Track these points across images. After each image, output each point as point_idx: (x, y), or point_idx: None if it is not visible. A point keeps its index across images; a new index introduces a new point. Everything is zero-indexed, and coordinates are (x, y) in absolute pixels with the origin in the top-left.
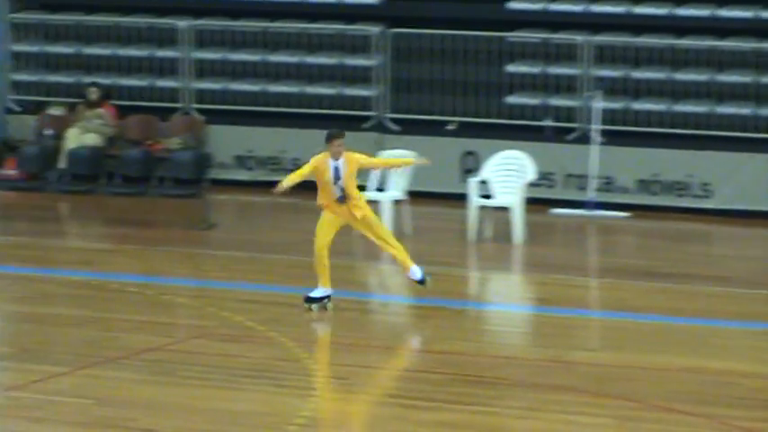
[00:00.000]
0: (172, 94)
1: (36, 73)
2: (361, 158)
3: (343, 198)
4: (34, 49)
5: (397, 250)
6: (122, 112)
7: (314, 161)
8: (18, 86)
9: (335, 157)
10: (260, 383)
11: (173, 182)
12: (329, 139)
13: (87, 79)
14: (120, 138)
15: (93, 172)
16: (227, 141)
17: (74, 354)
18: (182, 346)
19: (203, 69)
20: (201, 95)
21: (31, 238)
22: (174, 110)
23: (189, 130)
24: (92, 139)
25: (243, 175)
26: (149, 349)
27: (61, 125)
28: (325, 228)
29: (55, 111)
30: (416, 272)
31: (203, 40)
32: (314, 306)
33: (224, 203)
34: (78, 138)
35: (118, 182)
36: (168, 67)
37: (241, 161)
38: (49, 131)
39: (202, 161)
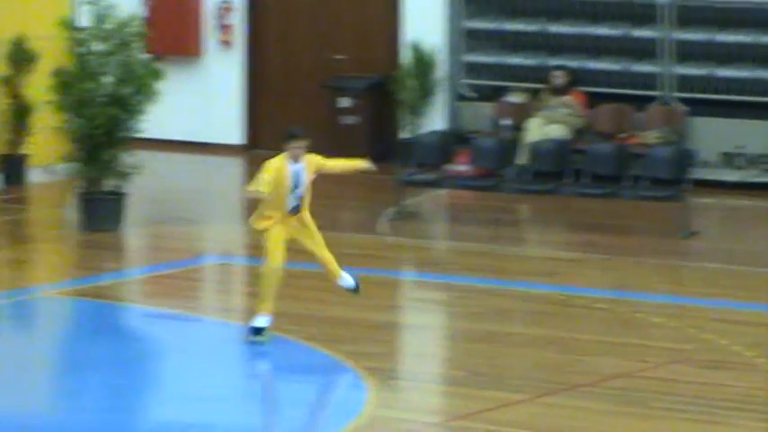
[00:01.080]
0: (649, 80)
1: (493, 54)
2: (320, 161)
3: (298, 208)
4: (492, 26)
5: (330, 257)
6: (592, 99)
7: (274, 166)
8: (472, 69)
9: (295, 160)
10: (744, 417)
11: (649, 182)
12: (288, 139)
13: (552, 62)
14: (589, 130)
15: (557, 169)
16: (711, 136)
17: (531, 379)
18: (656, 373)
19: (686, 52)
20: (683, 82)
21: (485, 245)
22: (651, 98)
23: (668, 121)
24: (557, 131)
25: (730, 176)
26: (618, 375)
27: (521, 114)
28: (280, 242)
29: (514, 98)
30: (348, 279)
31: (686, 18)
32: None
33: (708, 208)
34: (541, 129)
35: (585, 181)
36: (645, 49)
37: (728, 159)
38: (506, 121)
39: (684, 158)
